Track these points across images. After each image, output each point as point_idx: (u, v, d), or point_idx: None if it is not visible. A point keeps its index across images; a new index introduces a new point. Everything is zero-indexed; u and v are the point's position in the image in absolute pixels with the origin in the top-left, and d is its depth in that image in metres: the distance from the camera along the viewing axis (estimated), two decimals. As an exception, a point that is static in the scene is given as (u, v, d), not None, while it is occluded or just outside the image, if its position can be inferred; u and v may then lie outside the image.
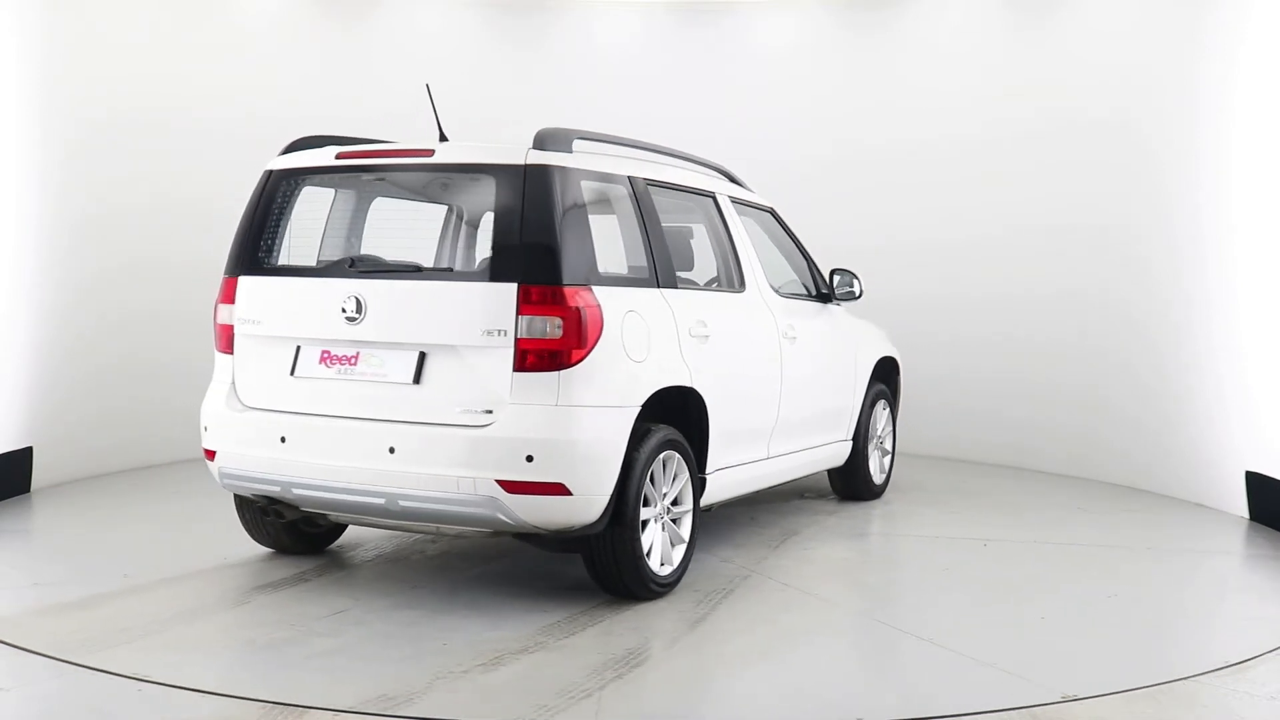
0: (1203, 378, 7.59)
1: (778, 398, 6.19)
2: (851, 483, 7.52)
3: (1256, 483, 7.04)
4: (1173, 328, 7.87)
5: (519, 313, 4.63)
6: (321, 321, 4.99)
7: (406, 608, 4.92)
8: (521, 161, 4.82)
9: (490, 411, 4.64)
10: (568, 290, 4.66)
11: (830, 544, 6.44)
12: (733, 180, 6.70)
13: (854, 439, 7.31)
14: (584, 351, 4.66)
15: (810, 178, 9.78)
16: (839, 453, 7.20)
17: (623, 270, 5.53)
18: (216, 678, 4.11)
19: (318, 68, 9.43)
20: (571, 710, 3.83)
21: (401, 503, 4.75)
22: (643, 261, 5.37)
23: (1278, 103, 6.92)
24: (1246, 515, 7.17)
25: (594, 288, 4.79)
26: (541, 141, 4.93)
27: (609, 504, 4.76)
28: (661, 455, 5.06)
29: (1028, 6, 9.20)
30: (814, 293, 7.00)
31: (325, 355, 5.00)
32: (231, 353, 5.28)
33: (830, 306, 7.10)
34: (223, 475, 5.24)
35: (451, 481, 4.62)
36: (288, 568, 5.56)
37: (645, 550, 5.00)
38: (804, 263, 7.05)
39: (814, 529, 6.77)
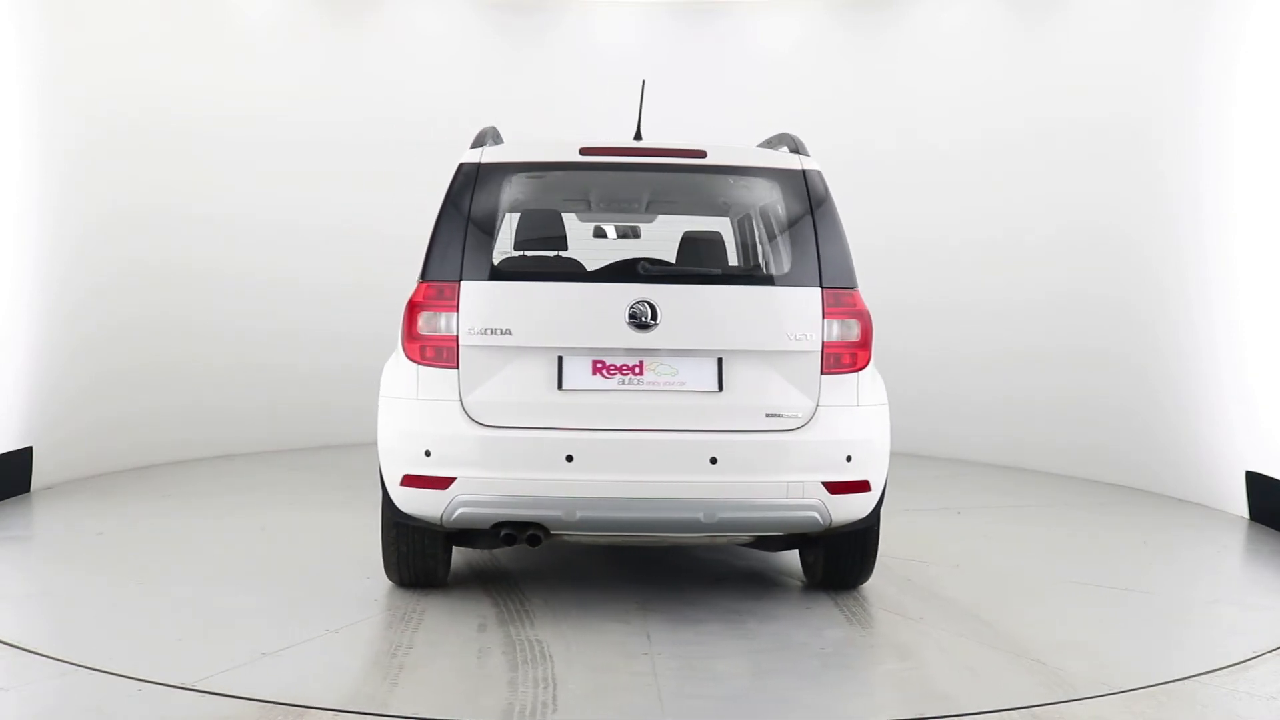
0: (1203, 378, 7.59)
1: None
2: None
3: (1256, 483, 7.04)
4: (1173, 328, 7.87)
5: (824, 316, 4.73)
6: (597, 329, 4.69)
7: (683, 624, 4.76)
8: (799, 166, 4.97)
9: (796, 415, 4.67)
10: (856, 294, 4.82)
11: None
12: None
13: None
14: (869, 352, 4.83)
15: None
16: None
17: None
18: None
19: (318, 68, 9.43)
20: (1054, 684, 4.11)
21: (720, 514, 4.58)
22: None
23: (1278, 102, 6.93)
24: (1246, 515, 7.17)
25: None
26: (797, 146, 5.06)
27: (880, 497, 4.89)
28: None
29: (1029, 8, 9.20)
30: None
31: (600, 365, 4.69)
32: (454, 366, 4.69)
33: None
34: (460, 504, 4.58)
35: (780, 487, 4.59)
36: (461, 601, 5.03)
37: None
38: None
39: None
